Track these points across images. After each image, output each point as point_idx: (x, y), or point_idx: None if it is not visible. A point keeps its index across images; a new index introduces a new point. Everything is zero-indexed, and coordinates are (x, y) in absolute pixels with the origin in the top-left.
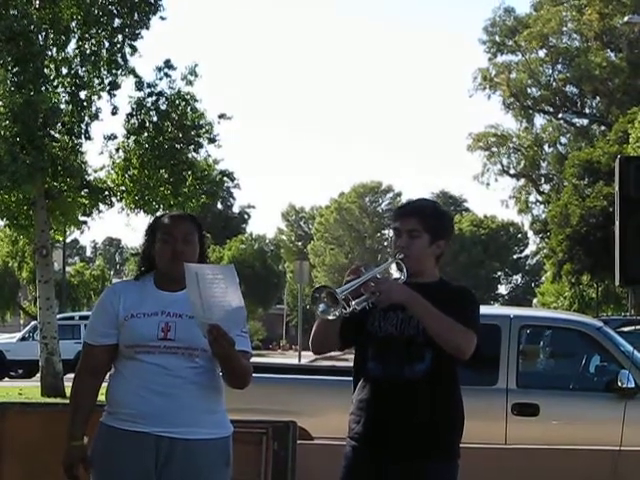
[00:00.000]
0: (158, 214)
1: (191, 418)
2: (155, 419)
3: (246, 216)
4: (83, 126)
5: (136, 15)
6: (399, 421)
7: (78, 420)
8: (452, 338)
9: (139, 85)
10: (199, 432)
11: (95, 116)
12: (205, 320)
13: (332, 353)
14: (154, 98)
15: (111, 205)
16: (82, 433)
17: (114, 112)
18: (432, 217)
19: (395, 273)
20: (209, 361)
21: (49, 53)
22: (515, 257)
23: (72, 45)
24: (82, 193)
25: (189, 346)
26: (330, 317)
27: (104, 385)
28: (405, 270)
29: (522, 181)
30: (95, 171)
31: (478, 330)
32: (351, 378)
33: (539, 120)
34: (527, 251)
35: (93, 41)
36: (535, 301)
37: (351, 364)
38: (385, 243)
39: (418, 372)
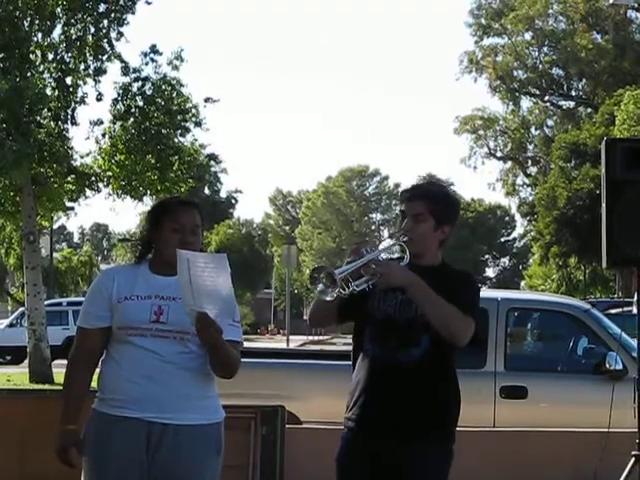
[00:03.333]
0: (162, 199)
1: (183, 404)
2: (147, 405)
3: (233, 201)
4: (69, 112)
5: (121, 0)
6: (392, 404)
7: (71, 405)
8: (449, 324)
9: (125, 70)
10: (191, 417)
11: (81, 101)
12: (194, 307)
13: (321, 337)
14: (140, 83)
15: (98, 191)
16: (75, 418)
17: (99, 98)
18: (439, 202)
19: (396, 254)
20: (201, 347)
21: (35, 39)
22: (502, 240)
23: (58, 31)
24: (69, 179)
25: (181, 330)
26: (328, 298)
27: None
28: (408, 253)
29: (509, 164)
30: (81, 157)
31: (476, 316)
32: (339, 362)
33: (525, 103)
34: (514, 234)
35: (79, 26)
36: (523, 284)
37: (339, 348)
38: (372, 227)
39: (413, 356)
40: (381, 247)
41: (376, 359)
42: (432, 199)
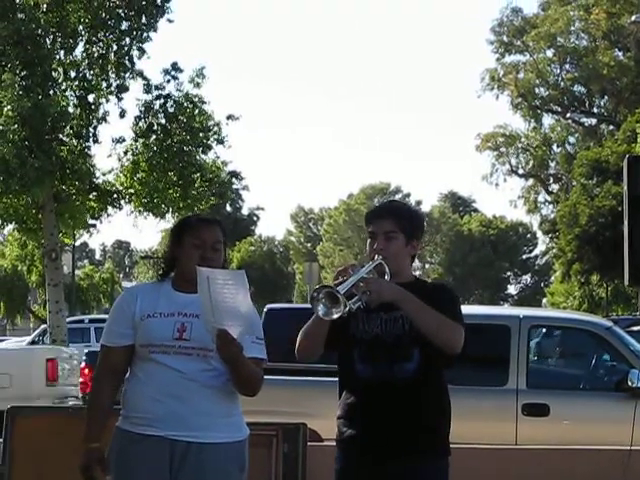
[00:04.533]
0: (183, 217)
1: (207, 422)
2: (170, 423)
3: (255, 218)
4: (91, 129)
5: (144, 18)
6: (391, 421)
7: (95, 422)
8: (443, 333)
9: (147, 88)
10: (214, 436)
11: (103, 119)
12: (214, 324)
13: None
14: (162, 101)
15: (120, 208)
16: (99, 435)
17: (122, 115)
18: (406, 218)
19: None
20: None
21: (57, 56)
22: (524, 257)
23: (80, 48)
24: (91, 196)
25: (204, 347)
26: (335, 316)
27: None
28: (388, 271)
29: (531, 181)
30: (103, 174)
31: (464, 323)
32: None
33: (547, 120)
34: (536, 251)
35: (101, 44)
36: (544, 301)
37: None
38: None
39: (407, 371)
40: (364, 268)
41: (369, 378)
42: (399, 216)
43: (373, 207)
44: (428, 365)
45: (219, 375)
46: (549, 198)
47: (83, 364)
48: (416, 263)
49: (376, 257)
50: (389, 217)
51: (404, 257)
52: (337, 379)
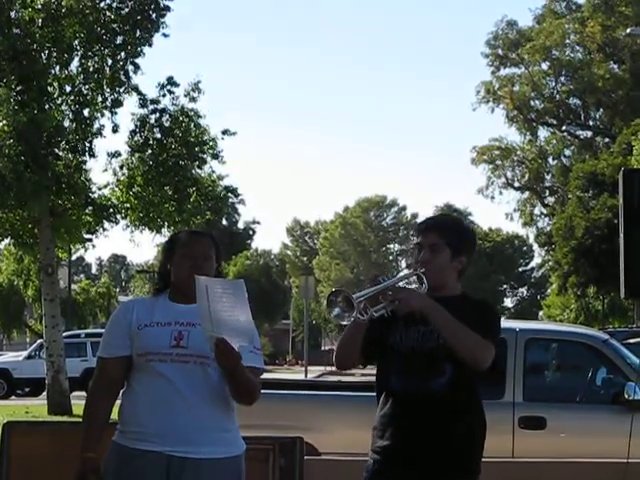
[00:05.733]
0: (175, 232)
1: (204, 437)
2: (166, 438)
3: (251, 232)
4: (87, 144)
5: (138, 32)
6: (422, 436)
7: (92, 433)
8: (469, 347)
9: (142, 102)
10: (211, 451)
11: (98, 133)
12: (213, 334)
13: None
14: (157, 115)
15: (116, 222)
16: (95, 446)
17: (115, 130)
18: (453, 232)
19: (413, 285)
20: (222, 373)
21: (52, 71)
22: (520, 270)
23: (75, 63)
24: (86, 211)
25: (202, 354)
26: (345, 322)
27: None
28: (426, 283)
29: (526, 194)
30: (99, 188)
31: (496, 342)
32: (357, 394)
33: (543, 132)
34: (532, 264)
35: (96, 59)
36: (541, 314)
37: (358, 379)
38: (390, 257)
39: (439, 386)
40: (399, 276)
41: (401, 392)
42: (447, 230)
43: (423, 219)
44: (460, 380)
45: (217, 386)
46: (545, 211)
47: None
48: None
49: (418, 268)
50: (436, 230)
51: (449, 271)
52: (332, 393)
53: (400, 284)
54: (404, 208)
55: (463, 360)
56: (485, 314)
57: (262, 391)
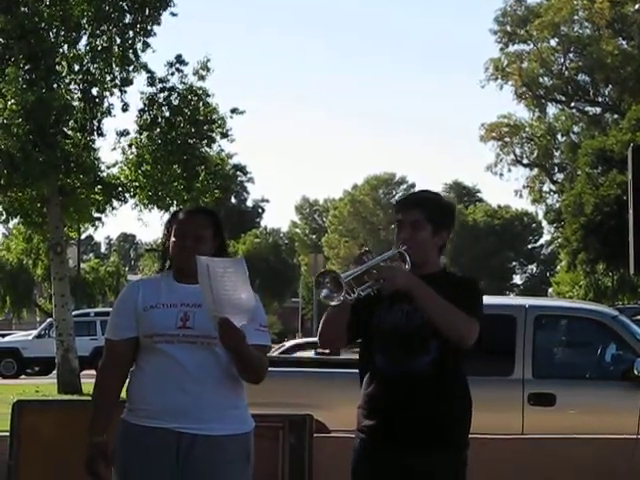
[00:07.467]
0: (175, 209)
1: (213, 414)
2: (176, 415)
3: (260, 210)
4: (95, 123)
5: (147, 11)
6: (406, 413)
7: (100, 416)
8: (454, 324)
9: (151, 81)
10: (221, 428)
11: (107, 112)
12: (216, 313)
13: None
14: (166, 93)
15: (125, 201)
16: (104, 429)
17: (125, 109)
18: (434, 208)
19: (397, 263)
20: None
21: (60, 50)
22: (530, 247)
23: (83, 42)
24: (95, 190)
25: (208, 335)
26: (334, 302)
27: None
28: (409, 261)
29: (535, 171)
30: (108, 167)
31: (481, 318)
32: None
33: (551, 109)
34: (542, 240)
35: (104, 37)
36: (550, 290)
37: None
38: None
39: (424, 364)
40: (383, 255)
41: (386, 370)
42: (427, 205)
43: (402, 195)
44: (445, 358)
45: (224, 366)
46: (554, 187)
47: None
48: None
49: (400, 246)
50: (417, 206)
51: (431, 248)
52: (341, 370)
53: (382, 263)
54: (413, 185)
55: (448, 337)
56: (468, 290)
57: (272, 369)
